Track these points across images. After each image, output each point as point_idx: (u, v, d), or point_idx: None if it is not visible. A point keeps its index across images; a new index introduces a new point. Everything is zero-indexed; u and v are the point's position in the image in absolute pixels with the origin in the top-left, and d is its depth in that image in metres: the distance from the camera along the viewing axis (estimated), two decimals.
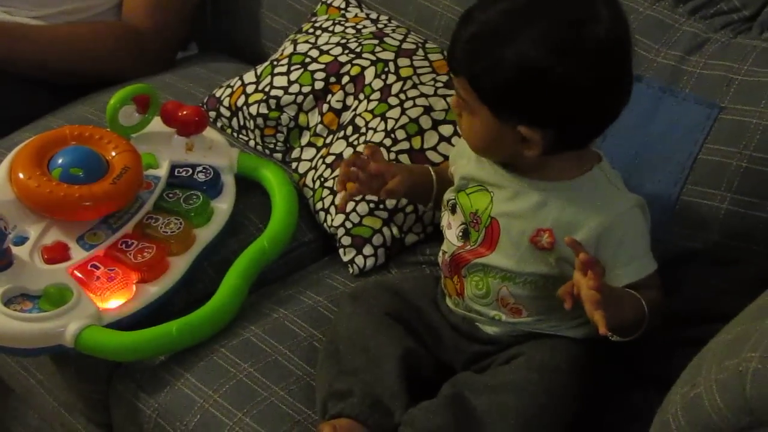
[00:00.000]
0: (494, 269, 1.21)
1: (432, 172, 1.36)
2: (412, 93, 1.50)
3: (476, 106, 1.15)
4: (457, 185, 1.27)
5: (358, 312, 1.26)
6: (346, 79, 1.54)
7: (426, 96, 1.49)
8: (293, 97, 1.56)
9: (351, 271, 1.46)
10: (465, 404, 1.16)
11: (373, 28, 1.60)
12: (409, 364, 1.22)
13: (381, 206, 1.45)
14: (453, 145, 1.44)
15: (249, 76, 1.63)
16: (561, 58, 1.09)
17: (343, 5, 1.68)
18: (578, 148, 1.19)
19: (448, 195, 1.28)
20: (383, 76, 1.52)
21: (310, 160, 1.55)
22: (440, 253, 1.29)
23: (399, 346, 1.22)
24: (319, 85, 1.55)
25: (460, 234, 1.25)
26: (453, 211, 1.26)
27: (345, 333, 1.25)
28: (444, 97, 1.49)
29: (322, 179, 1.51)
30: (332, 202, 1.48)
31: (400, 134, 1.47)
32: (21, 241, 1.35)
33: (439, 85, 1.51)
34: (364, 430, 1.16)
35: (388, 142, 1.46)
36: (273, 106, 1.58)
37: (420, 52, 1.55)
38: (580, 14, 1.11)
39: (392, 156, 1.46)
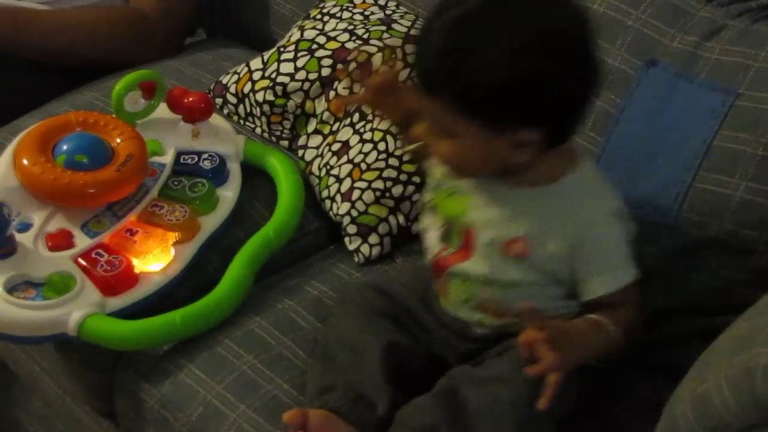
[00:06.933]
0: (473, 276, 1.19)
1: None
2: None
3: (458, 126, 1.09)
4: (433, 184, 1.23)
5: (347, 314, 1.25)
6: (353, 65, 1.52)
7: None
8: (300, 84, 1.54)
9: (357, 259, 1.45)
10: (458, 398, 1.14)
11: (381, 15, 1.59)
12: (395, 356, 1.20)
13: (387, 195, 1.44)
14: None
15: (256, 63, 1.61)
16: (549, 56, 1.06)
17: None
18: (562, 143, 1.15)
19: (427, 195, 1.25)
20: (390, 63, 1.49)
21: (317, 148, 1.54)
22: (426, 253, 1.26)
23: (382, 339, 1.20)
24: (326, 71, 1.53)
25: (440, 236, 1.22)
26: (432, 212, 1.24)
27: (334, 336, 1.25)
28: None
29: (329, 167, 1.49)
30: (338, 190, 1.47)
31: None
32: (25, 228, 1.34)
33: None
34: (344, 425, 1.15)
35: (395, 129, 1.45)
36: (279, 93, 1.56)
37: None
38: (554, 16, 1.09)
39: (399, 143, 1.44)
